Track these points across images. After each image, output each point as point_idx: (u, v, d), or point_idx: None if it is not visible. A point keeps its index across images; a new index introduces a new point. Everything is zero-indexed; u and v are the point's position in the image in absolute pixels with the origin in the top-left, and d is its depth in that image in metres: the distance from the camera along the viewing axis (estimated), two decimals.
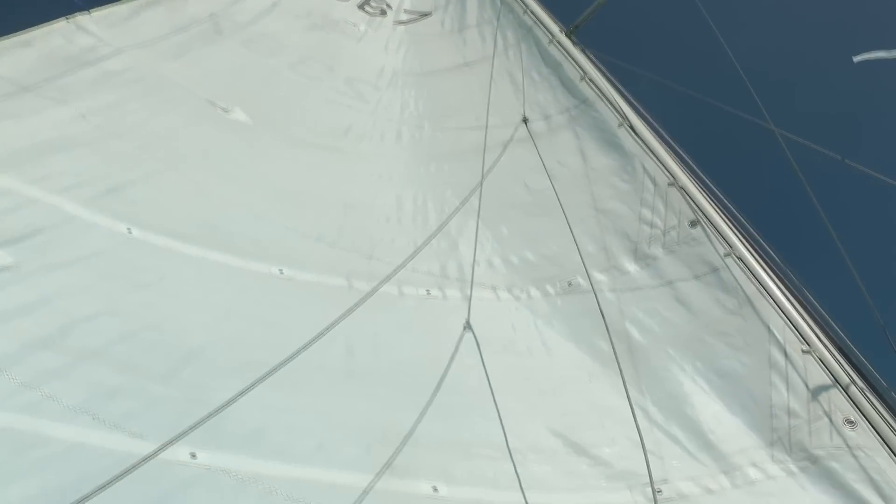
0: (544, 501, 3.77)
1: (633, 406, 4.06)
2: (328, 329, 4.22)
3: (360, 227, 5.42)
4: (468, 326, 4.64)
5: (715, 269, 4.79)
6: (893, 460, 3.86)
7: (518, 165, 5.99)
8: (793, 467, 4.00)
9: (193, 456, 3.50)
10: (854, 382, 4.13)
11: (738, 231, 4.94)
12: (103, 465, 3.24)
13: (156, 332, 4.14)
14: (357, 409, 4.11)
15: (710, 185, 5.29)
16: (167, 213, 4.82)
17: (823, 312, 4.46)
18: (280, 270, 4.83)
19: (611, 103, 5.97)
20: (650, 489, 3.75)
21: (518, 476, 3.85)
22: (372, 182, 5.89)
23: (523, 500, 3.74)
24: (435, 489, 3.79)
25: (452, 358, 4.39)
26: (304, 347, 4.05)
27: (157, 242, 4.59)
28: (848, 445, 3.96)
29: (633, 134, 5.71)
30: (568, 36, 7.05)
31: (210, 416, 3.55)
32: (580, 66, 6.53)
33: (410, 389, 4.20)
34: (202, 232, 4.80)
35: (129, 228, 4.55)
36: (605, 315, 4.68)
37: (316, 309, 4.56)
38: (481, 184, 5.65)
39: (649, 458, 3.78)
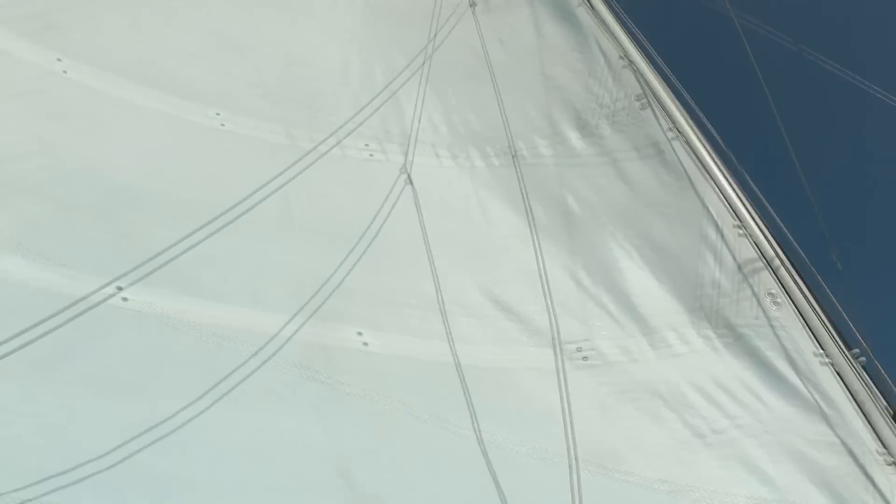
0: (467, 352, 3.84)
1: (562, 270, 4.17)
2: (267, 183, 4.15)
3: (304, 82, 5.26)
4: (408, 182, 4.61)
5: (658, 148, 4.82)
6: (810, 338, 4.02)
7: (470, 34, 5.85)
8: (714, 338, 4.13)
9: (124, 297, 3.46)
10: (782, 263, 4.26)
11: (685, 112, 4.97)
12: (32, 304, 3.16)
13: (91, 174, 4.04)
14: (291, 259, 4.09)
15: (662, 65, 5.28)
16: (102, 46, 4.63)
17: (759, 194, 4.55)
18: (217, 113, 4.72)
19: None
20: (569, 346, 3.93)
21: (443, 326, 3.92)
22: (318, 39, 5.68)
23: (447, 351, 3.82)
24: (360, 334, 3.85)
25: (388, 213, 4.39)
26: (243, 198, 3.97)
27: (93, 80, 4.43)
28: (770, 323, 4.10)
29: (589, 10, 5.63)
30: None
31: (144, 260, 3.48)
32: None
33: (345, 242, 4.18)
34: (138, 68, 4.63)
35: (59, 59, 4.38)
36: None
37: (256, 163, 4.47)
38: (429, 47, 5.51)
39: (575, 321, 3.90)
